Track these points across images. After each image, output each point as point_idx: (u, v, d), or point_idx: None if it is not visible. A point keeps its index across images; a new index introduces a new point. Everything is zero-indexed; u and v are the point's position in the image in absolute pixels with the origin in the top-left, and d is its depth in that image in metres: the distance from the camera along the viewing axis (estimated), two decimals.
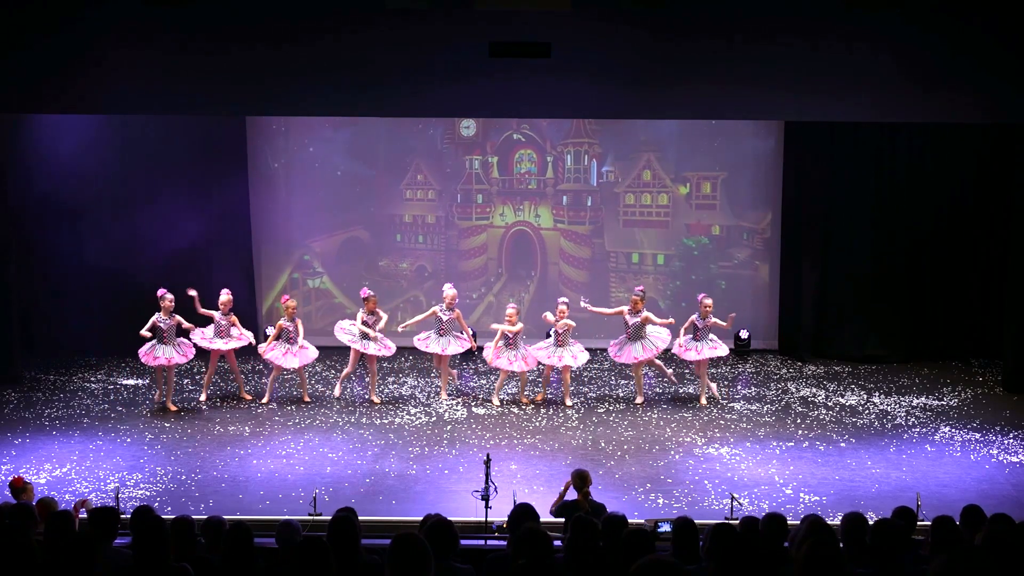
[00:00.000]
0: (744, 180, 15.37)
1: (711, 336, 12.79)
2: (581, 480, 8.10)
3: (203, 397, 12.94)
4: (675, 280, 15.54)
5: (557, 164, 15.45)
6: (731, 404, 12.89)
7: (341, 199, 15.60)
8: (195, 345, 12.77)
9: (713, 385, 13.13)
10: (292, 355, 12.76)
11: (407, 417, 12.33)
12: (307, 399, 12.90)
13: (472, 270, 15.76)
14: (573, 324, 12.86)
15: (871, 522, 6.00)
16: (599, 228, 15.58)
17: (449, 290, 12.99)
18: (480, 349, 13.87)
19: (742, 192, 15.39)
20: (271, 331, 13.33)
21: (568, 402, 12.83)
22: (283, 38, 9.94)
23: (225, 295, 12.90)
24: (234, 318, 12.98)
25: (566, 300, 12.94)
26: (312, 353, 12.93)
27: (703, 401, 12.88)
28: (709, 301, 12.76)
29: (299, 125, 15.43)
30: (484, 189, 15.57)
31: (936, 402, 13.06)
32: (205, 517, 6.83)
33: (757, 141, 15.31)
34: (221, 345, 12.81)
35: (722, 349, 12.90)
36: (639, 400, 12.91)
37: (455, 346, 12.98)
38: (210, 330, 12.86)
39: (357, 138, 15.50)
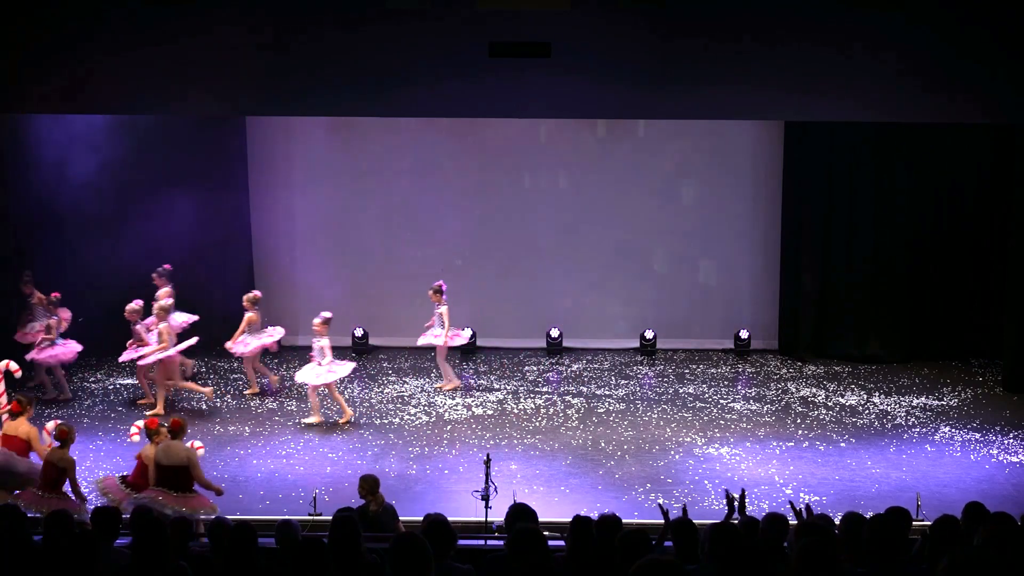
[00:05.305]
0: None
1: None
2: (367, 486, 8.18)
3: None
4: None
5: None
6: (731, 404, 12.90)
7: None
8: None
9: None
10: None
11: (407, 417, 12.34)
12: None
13: None
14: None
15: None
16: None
17: None
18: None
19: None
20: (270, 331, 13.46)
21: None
22: (283, 38, 9.92)
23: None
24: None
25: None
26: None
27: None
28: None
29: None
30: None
31: (936, 402, 13.06)
32: (211, 518, 6.84)
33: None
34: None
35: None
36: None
37: None
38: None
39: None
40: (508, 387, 13.58)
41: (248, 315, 13.05)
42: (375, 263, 15.66)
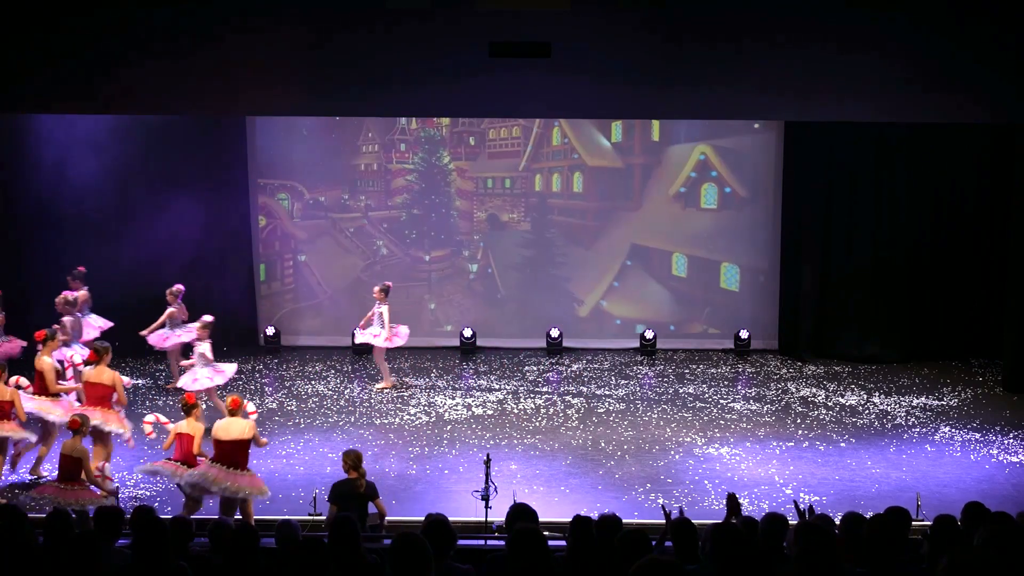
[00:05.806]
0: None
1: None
2: (351, 460, 8.26)
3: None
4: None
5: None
6: (731, 404, 12.90)
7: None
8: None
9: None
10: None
11: (407, 417, 12.34)
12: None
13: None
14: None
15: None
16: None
17: None
18: None
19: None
20: (271, 331, 13.40)
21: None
22: (282, 39, 9.92)
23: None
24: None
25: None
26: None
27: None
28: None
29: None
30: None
31: (936, 402, 13.06)
32: (214, 518, 6.84)
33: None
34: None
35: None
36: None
37: None
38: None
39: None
40: (508, 387, 13.59)
41: (169, 309, 13.05)
42: (375, 263, 15.66)
